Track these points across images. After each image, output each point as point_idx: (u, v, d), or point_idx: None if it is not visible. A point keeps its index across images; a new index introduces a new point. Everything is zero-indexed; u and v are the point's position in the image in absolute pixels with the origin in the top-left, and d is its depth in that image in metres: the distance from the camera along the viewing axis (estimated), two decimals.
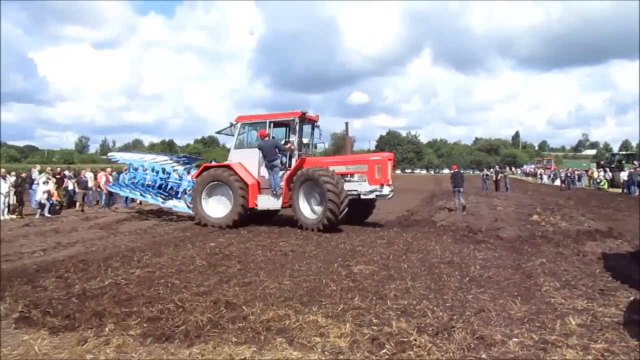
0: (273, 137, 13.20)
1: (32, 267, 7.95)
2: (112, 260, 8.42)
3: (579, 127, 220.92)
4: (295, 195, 12.29)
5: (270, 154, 12.66)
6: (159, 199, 15.95)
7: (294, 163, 12.96)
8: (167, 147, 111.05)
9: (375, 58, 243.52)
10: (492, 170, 39.00)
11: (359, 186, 12.44)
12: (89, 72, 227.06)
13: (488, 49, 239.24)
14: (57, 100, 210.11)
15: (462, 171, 21.90)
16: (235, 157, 13.42)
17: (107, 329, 4.78)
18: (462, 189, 18.40)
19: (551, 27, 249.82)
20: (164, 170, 16.71)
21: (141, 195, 16.37)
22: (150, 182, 16.49)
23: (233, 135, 13.70)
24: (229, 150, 13.95)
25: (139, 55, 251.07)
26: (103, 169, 22.55)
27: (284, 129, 13.83)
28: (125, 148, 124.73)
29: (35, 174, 20.82)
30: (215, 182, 13.21)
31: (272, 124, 13.22)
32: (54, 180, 19.70)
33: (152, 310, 5.36)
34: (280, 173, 12.93)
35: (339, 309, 5.41)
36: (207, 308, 5.38)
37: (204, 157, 48.57)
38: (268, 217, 14.06)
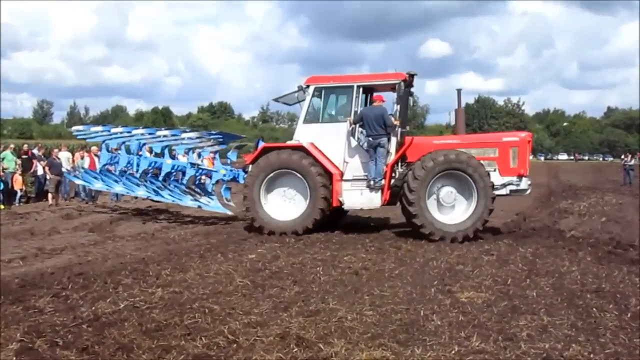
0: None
1: (15, 282, 8.47)
2: (120, 275, 8.87)
3: None
4: (423, 191, 12.45)
5: (375, 127, 12.89)
6: (187, 196, 15.81)
7: (393, 144, 13.28)
8: (161, 117, 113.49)
9: None
10: (631, 157, 37.96)
11: None
12: (53, 10, 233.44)
13: None
14: (8, 49, 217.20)
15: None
16: (305, 135, 13.62)
17: None
18: None
19: None
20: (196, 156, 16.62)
21: (143, 190, 16.27)
22: (148, 169, 16.55)
23: (300, 103, 14.03)
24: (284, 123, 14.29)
25: None
26: (85, 148, 23.36)
27: (363, 97, 14.14)
28: (102, 119, 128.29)
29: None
30: (281, 171, 13.29)
31: (361, 89, 13.64)
32: (18, 162, 20.67)
33: (196, 344, 5.69)
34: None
35: (453, 351, 5.59)
36: (272, 345, 5.67)
37: (246, 135, 47.82)
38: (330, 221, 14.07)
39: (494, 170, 12.98)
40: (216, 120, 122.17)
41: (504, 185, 13.01)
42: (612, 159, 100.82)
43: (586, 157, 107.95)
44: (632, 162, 36.12)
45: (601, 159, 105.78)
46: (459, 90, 14.74)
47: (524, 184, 13.14)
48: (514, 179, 13.03)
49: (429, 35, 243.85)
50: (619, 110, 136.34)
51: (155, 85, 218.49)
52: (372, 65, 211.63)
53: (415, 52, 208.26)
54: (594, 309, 7.14)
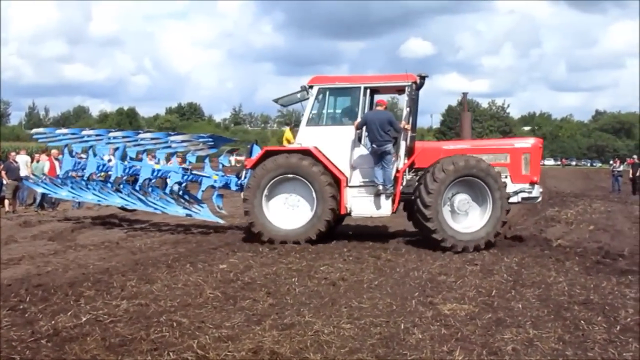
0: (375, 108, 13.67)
1: None
2: (82, 286, 8.75)
3: None
4: (439, 204, 12.49)
5: (380, 133, 12.85)
6: (174, 204, 15.23)
7: (402, 149, 13.34)
8: (126, 119, 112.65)
9: None
10: (620, 163, 38.37)
11: None
12: (12, 3, 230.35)
13: None
14: None
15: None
16: (308, 138, 13.53)
17: None
18: None
19: None
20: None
21: (118, 198, 15.63)
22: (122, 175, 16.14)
23: (301, 102, 14.05)
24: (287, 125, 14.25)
25: None
26: (46, 152, 23.05)
27: (364, 99, 13.95)
28: (63, 120, 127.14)
29: None
30: (284, 176, 13.19)
31: (368, 91, 13.64)
32: None
33: None
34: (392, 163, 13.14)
35: None
36: None
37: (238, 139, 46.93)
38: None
39: (506, 177, 13.15)
40: (185, 122, 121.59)
41: (516, 193, 13.16)
42: (600, 164, 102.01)
43: (573, 163, 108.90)
44: (621, 168, 36.59)
45: (589, 164, 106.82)
46: (464, 94, 15.04)
47: (536, 191, 13.35)
48: (526, 186, 13.21)
49: (410, 33, 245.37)
50: (607, 114, 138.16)
51: (120, 84, 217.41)
52: (352, 64, 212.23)
53: (396, 51, 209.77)
54: (582, 322, 7.20)
